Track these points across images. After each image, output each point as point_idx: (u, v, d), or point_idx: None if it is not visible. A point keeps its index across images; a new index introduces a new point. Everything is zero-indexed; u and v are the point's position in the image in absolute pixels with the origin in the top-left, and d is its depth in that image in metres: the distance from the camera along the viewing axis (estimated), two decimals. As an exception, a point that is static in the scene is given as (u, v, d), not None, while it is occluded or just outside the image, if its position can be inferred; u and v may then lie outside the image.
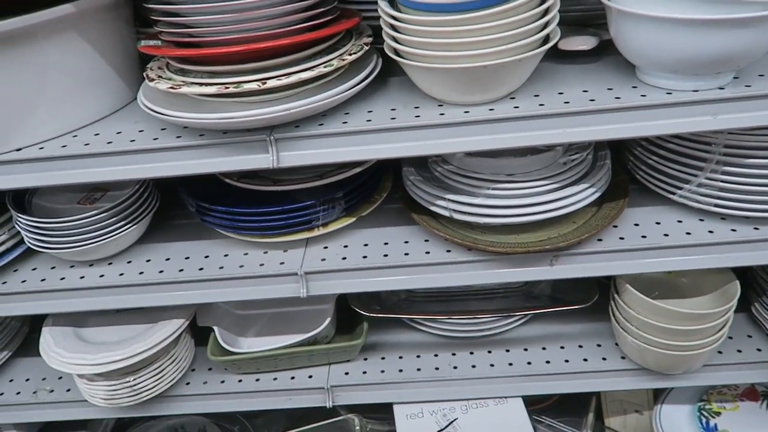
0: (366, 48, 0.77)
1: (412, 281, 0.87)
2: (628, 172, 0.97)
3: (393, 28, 0.73)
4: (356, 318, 1.05)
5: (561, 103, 0.73)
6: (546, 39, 0.72)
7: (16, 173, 0.75)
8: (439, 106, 0.76)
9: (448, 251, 0.87)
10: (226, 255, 0.92)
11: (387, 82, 0.85)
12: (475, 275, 0.86)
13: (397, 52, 0.74)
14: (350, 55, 0.74)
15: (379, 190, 0.96)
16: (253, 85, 0.68)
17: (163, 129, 0.78)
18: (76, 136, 0.79)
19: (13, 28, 0.67)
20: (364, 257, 0.88)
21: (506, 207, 0.82)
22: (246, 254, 0.91)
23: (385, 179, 0.99)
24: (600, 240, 0.86)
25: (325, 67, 0.71)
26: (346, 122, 0.74)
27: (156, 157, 0.75)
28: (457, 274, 0.86)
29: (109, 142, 0.76)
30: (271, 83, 0.68)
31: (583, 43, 0.81)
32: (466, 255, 0.86)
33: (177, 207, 1.02)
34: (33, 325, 1.17)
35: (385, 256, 0.88)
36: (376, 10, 0.84)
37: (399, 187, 0.97)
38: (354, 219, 0.91)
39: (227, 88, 0.68)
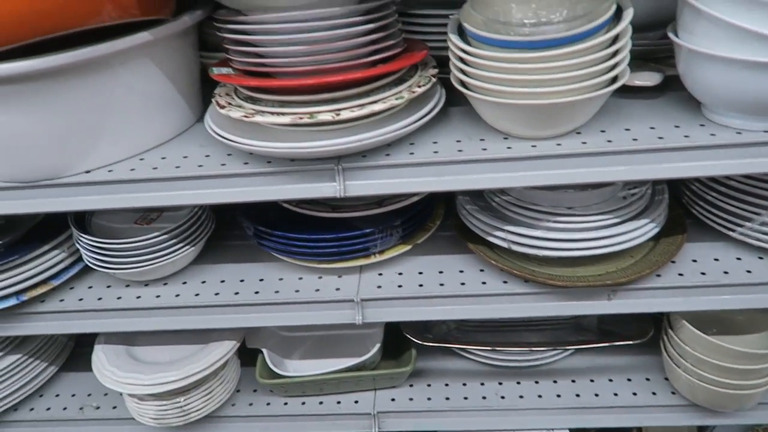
0: (434, 80, 0.77)
1: (469, 312, 0.87)
2: (683, 206, 0.96)
3: (461, 60, 0.74)
4: (402, 343, 1.04)
5: (629, 139, 0.73)
6: (614, 76, 0.72)
7: (86, 195, 0.76)
8: (505, 139, 0.76)
9: (505, 282, 0.87)
10: (281, 279, 0.92)
11: (448, 111, 0.85)
12: (532, 307, 0.86)
13: (463, 84, 0.75)
14: (419, 87, 0.75)
15: (433, 218, 0.97)
16: (327, 116, 0.69)
17: (229, 154, 0.79)
18: (143, 159, 0.80)
19: (95, 56, 0.68)
20: (420, 286, 0.88)
21: (567, 240, 0.82)
22: (301, 279, 0.92)
23: (438, 206, 0.99)
24: (659, 276, 0.85)
25: (396, 99, 0.72)
26: (413, 153, 0.75)
27: (224, 182, 0.75)
28: (515, 305, 0.86)
29: (177, 167, 0.77)
30: (344, 114, 0.69)
31: (649, 79, 0.81)
32: (523, 287, 0.86)
33: (230, 227, 1.03)
34: (78, 339, 1.18)
35: (441, 285, 0.88)
36: (439, 39, 0.86)
37: (451, 214, 0.97)
38: (410, 246, 0.91)
39: (301, 118, 0.69)
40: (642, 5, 0.73)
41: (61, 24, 0.65)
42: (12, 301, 0.87)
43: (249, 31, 0.72)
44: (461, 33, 0.75)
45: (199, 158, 0.79)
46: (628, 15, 0.69)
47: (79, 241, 0.89)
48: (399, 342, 1.05)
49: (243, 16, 0.73)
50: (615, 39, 0.69)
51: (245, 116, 0.71)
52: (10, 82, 0.67)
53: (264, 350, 1.01)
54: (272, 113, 0.71)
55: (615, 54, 0.70)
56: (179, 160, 0.78)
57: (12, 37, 0.63)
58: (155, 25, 0.75)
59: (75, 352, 1.16)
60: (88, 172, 0.77)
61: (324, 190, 0.75)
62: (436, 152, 0.74)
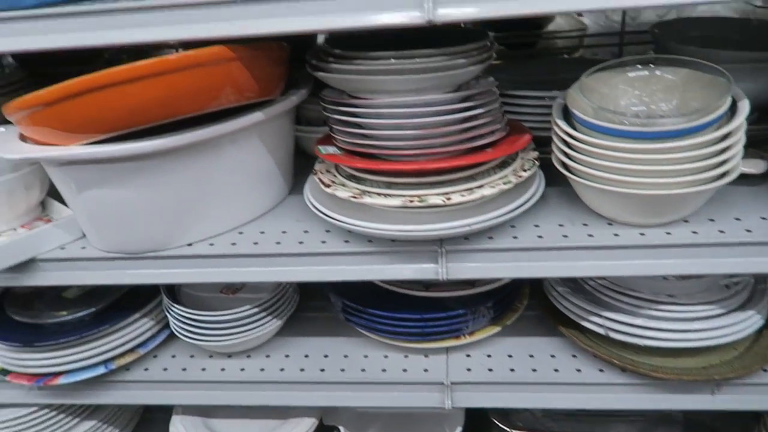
0: (537, 164, 0.77)
1: (564, 401, 0.83)
2: (781, 295, 0.92)
3: (566, 144, 0.73)
4: (483, 425, 1.01)
5: (742, 230, 0.70)
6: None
7: (189, 268, 0.77)
8: (609, 225, 0.74)
9: (601, 371, 0.84)
10: (365, 356, 0.90)
11: (544, 191, 0.84)
12: (631, 399, 0.82)
13: (565, 167, 0.74)
14: (524, 171, 0.74)
15: (520, 297, 0.95)
16: (437, 200, 0.69)
17: (327, 231, 0.79)
18: (242, 233, 0.80)
19: (214, 135, 0.70)
20: (512, 370, 0.85)
21: (670, 331, 0.78)
22: (386, 357, 0.90)
23: (524, 285, 0.98)
24: (766, 370, 0.81)
25: (504, 183, 0.71)
26: (516, 237, 0.74)
27: (324, 260, 0.75)
28: (613, 396, 0.82)
29: (277, 243, 0.77)
30: (454, 198, 0.69)
31: (754, 166, 0.79)
32: (621, 377, 0.82)
33: (312, 298, 1.03)
34: (148, 405, 1.17)
35: (534, 371, 0.85)
36: (535, 120, 0.86)
37: (536, 291, 0.95)
38: (500, 328, 0.89)
39: (411, 201, 0.69)
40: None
41: (184, 109, 0.67)
42: (101, 370, 0.87)
43: (357, 114, 0.73)
44: (565, 116, 0.75)
45: (297, 234, 0.79)
46: (744, 108, 0.69)
47: (170, 311, 0.89)
48: (479, 423, 1.01)
49: (350, 98, 0.75)
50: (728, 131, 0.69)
51: (353, 197, 0.71)
52: (131, 160, 0.69)
53: (341, 428, 0.98)
54: (379, 194, 0.71)
55: (728, 146, 0.69)
56: (278, 236, 0.79)
57: (140, 120, 0.65)
58: (264, 104, 0.77)
59: (144, 418, 1.15)
60: (190, 244, 0.78)
61: (426, 272, 0.74)
62: (540, 237, 0.73)
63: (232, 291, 0.95)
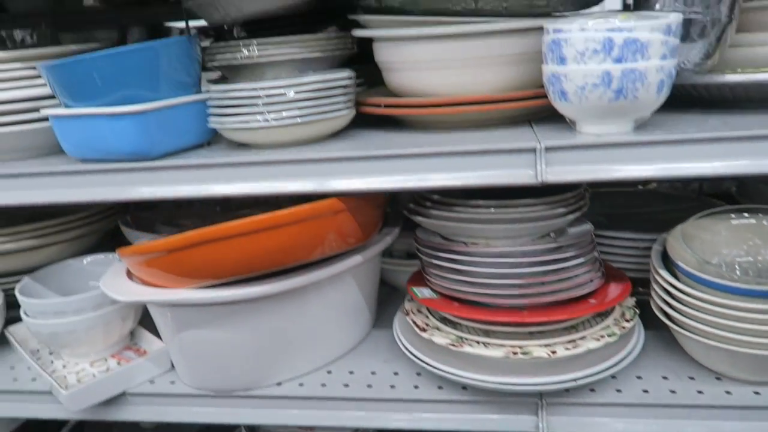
0: (637, 313, 0.75)
1: None
2: None
3: (668, 293, 0.72)
4: None
5: None
6: None
7: (278, 408, 0.76)
8: (718, 379, 0.71)
9: None
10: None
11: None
12: None
13: (667, 315, 0.72)
14: (626, 321, 0.73)
15: (611, 446, 0.90)
16: (542, 353, 0.67)
17: (418, 374, 0.77)
18: (330, 372, 0.79)
19: (318, 279, 0.71)
20: None
21: (788, 498, 0.73)
22: None
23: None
24: None
25: (609, 336, 0.69)
26: (619, 390, 0.71)
27: (417, 407, 0.73)
28: None
29: (368, 386, 0.76)
30: (560, 353, 0.67)
31: None
32: None
33: None
34: None
35: None
36: (626, 261, 0.85)
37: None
38: (595, 482, 0.84)
39: (515, 353, 0.67)
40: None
41: (293, 258, 0.69)
42: None
43: (454, 260, 0.74)
44: (665, 261, 0.74)
45: (387, 376, 0.78)
46: None
47: (250, 449, 0.87)
48: None
49: (443, 240, 0.76)
50: None
51: (452, 345, 0.70)
52: (236, 303, 0.70)
53: None
54: (479, 343, 0.70)
55: None
56: (368, 377, 0.78)
57: (250, 269, 0.67)
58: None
59: None
60: (279, 384, 0.77)
61: (525, 425, 0.71)
62: (645, 391, 0.70)
63: (310, 428, 0.93)
